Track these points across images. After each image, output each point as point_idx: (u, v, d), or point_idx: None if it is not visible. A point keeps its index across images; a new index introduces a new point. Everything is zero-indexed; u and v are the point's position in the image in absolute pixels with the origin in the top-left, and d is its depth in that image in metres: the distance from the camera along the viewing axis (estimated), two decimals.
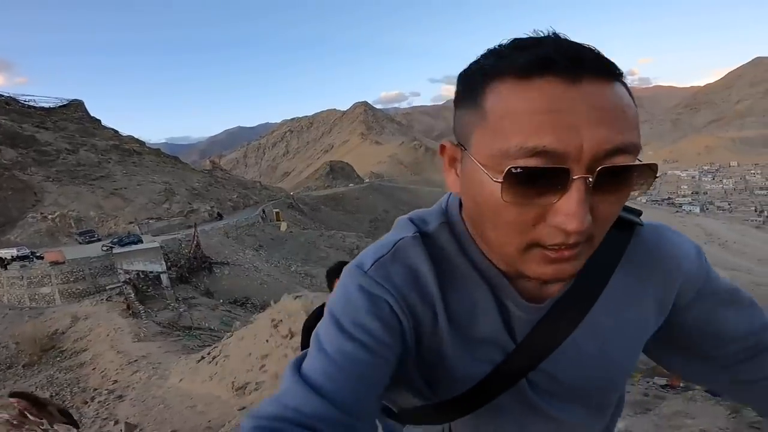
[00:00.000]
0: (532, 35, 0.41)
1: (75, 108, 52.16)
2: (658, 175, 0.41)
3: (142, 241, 23.86)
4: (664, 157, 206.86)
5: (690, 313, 0.58)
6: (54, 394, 10.84)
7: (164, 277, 20.23)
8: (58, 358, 14.69)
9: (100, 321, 16.30)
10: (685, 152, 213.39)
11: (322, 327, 0.51)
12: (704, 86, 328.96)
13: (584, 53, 0.38)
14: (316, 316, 2.23)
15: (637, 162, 0.39)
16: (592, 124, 0.37)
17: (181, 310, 17.84)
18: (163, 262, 20.81)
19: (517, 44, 0.41)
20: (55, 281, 20.20)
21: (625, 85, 0.40)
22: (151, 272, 20.06)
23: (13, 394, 4.23)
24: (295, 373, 0.48)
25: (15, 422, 3.92)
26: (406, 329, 0.51)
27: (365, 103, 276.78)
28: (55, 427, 3.99)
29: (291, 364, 0.50)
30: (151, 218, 32.27)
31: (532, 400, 0.56)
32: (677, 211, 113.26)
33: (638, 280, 0.56)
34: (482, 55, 0.44)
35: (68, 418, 4.27)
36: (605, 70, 0.39)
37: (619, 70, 0.40)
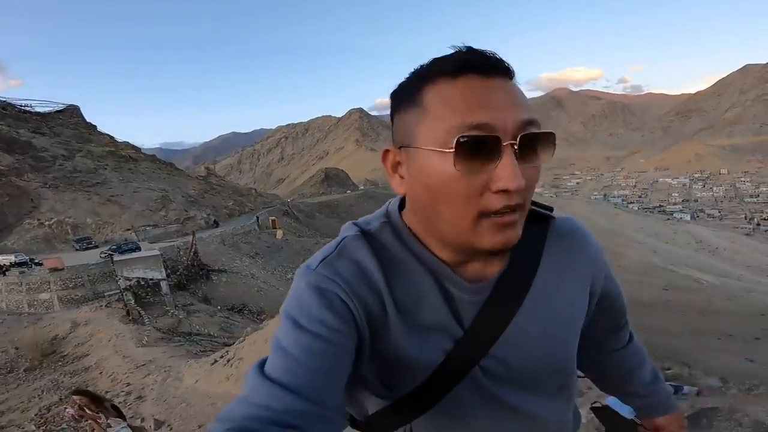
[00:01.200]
0: (453, 49, 0.52)
1: (71, 113, 52.12)
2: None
3: (140, 248, 23.94)
4: (655, 165, 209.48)
5: (600, 297, 0.69)
6: (64, 397, 11.03)
7: (164, 284, 20.36)
8: (60, 363, 14.69)
9: (101, 327, 16.39)
10: (675, 160, 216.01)
11: (279, 328, 0.54)
12: (695, 93, 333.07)
13: (491, 58, 0.51)
14: None
15: (542, 131, 0.50)
16: (509, 105, 0.49)
17: (180, 316, 17.98)
18: (163, 270, 20.92)
19: (445, 56, 0.52)
20: (54, 287, 20.25)
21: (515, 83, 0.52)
22: (151, 279, 20.17)
23: (75, 392, 4.84)
24: (258, 374, 0.50)
25: (77, 416, 4.57)
26: (357, 318, 0.54)
27: (360, 110, 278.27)
28: (109, 420, 4.49)
29: (254, 367, 0.52)
30: (148, 225, 32.27)
31: (489, 389, 0.59)
32: (668, 219, 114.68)
33: (563, 265, 0.63)
34: (412, 73, 0.54)
35: (118, 413, 4.74)
36: (506, 70, 0.51)
37: (513, 70, 0.52)
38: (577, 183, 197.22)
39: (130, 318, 16.84)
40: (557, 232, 0.64)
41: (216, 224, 36.95)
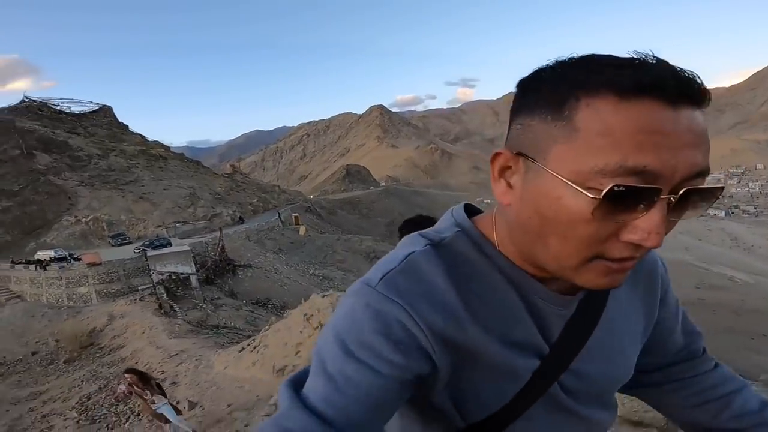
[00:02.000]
0: (631, 55, 0.40)
1: (104, 113, 54.42)
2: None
3: (171, 244, 24.89)
4: None
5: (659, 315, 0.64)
6: (102, 387, 11.69)
7: (194, 279, 21.12)
8: (97, 354, 15.39)
9: (135, 319, 17.13)
10: (710, 155, 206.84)
11: (325, 347, 0.48)
12: (729, 87, 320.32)
13: (687, 79, 0.39)
14: (410, 222, 2.07)
15: (712, 186, 0.40)
16: (687, 146, 0.38)
17: (208, 310, 18.67)
18: (193, 265, 21.71)
19: (614, 61, 0.40)
20: (92, 282, 21.22)
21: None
22: (182, 274, 20.91)
23: (127, 371, 5.38)
24: (294, 396, 0.47)
25: (127, 392, 5.06)
26: (425, 347, 0.47)
27: (381, 107, 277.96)
28: (154, 397, 5.01)
29: (288, 383, 0.49)
30: (178, 222, 33.43)
31: (564, 403, 0.55)
32: (701, 215, 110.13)
33: (634, 279, 0.60)
34: (560, 66, 0.43)
35: (161, 391, 5.26)
36: (701, 98, 0.40)
37: (710, 98, 0.41)
38: None
39: (162, 311, 17.46)
40: None
41: (241, 221, 37.93)
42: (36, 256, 25.09)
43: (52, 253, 24.76)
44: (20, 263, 24.65)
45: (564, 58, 0.43)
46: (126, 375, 5.22)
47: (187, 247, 23.16)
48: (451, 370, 0.50)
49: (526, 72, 0.45)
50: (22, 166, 35.91)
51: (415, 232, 0.55)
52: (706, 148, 0.40)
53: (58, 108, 51.68)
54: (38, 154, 37.89)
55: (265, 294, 22.96)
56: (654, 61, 0.39)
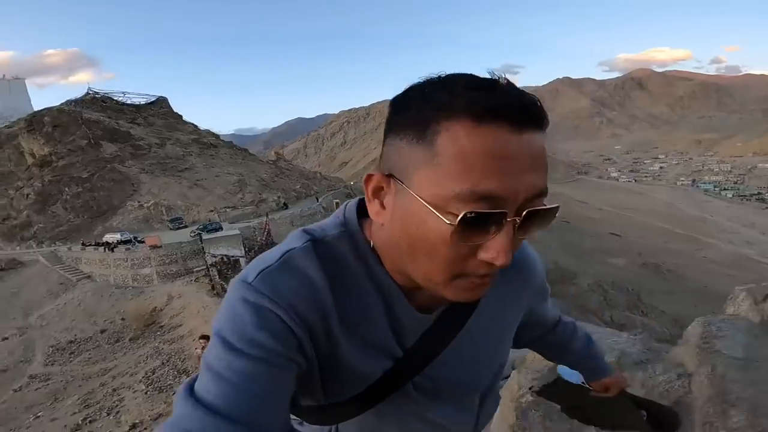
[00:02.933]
0: (486, 76, 0.44)
1: (160, 104, 57.51)
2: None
3: (222, 228, 26.10)
4: (753, 150, 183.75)
5: (528, 312, 0.77)
6: (165, 362, 12.75)
7: (243, 261, 22.04)
8: (158, 332, 16.58)
9: (191, 300, 18.24)
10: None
11: (211, 348, 0.49)
12: None
13: (531, 103, 0.42)
14: None
15: (550, 206, 0.46)
16: (529, 170, 0.42)
17: None
18: (242, 248, 22.68)
19: (471, 84, 0.42)
20: (153, 263, 22.68)
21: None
22: (232, 257, 21.94)
23: (201, 336, 6.12)
24: (188, 397, 0.47)
25: (201, 356, 5.70)
26: (301, 339, 0.50)
27: None
28: None
29: (182, 390, 0.49)
30: (228, 207, 35.12)
31: (416, 400, 0.61)
32: (766, 208, 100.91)
33: (508, 292, 0.66)
34: (428, 86, 0.45)
35: None
36: (542, 121, 0.44)
37: (548, 121, 0.45)
38: (661, 167, 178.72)
39: (215, 292, 18.54)
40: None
41: (285, 206, 39.18)
42: (104, 239, 26.82)
43: (118, 236, 26.41)
44: (90, 245, 26.49)
45: (433, 77, 0.45)
46: (201, 340, 5.87)
47: (237, 232, 24.18)
48: (318, 359, 0.54)
49: (418, 80, 0.47)
50: (90, 155, 38.94)
51: (299, 229, 0.58)
52: (545, 169, 0.45)
53: (120, 100, 55.36)
54: (104, 144, 40.91)
55: None
56: (505, 83, 0.43)
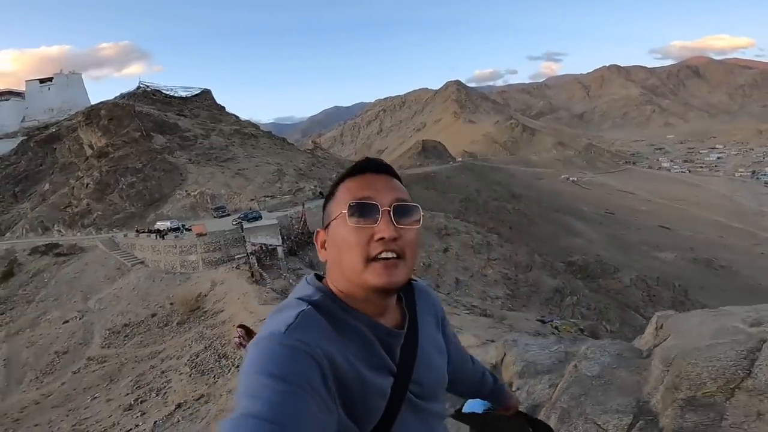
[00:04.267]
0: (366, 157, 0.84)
1: (204, 96, 59.85)
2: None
3: (261, 217, 27.01)
4: None
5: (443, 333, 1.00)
6: (207, 346, 13.48)
7: (280, 250, 22.93)
8: (202, 317, 17.18)
9: (232, 286, 18.96)
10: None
11: (249, 385, 0.59)
12: None
13: (384, 164, 0.81)
14: None
15: (411, 203, 0.77)
16: (388, 190, 0.77)
17: (290, 279, 20.10)
18: (280, 237, 23.48)
19: (358, 162, 0.81)
20: (199, 250, 23.82)
21: (399, 179, 0.82)
22: (270, 245, 22.80)
23: (239, 326, 6.50)
24: (232, 419, 0.55)
25: (237, 344, 6.13)
26: (328, 376, 0.64)
27: (458, 82, 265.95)
28: None
29: (223, 420, 0.56)
30: (267, 196, 36.13)
31: (418, 404, 0.80)
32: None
33: (428, 311, 0.94)
34: (342, 172, 0.82)
35: None
36: (393, 171, 0.81)
37: (396, 173, 0.82)
38: (718, 158, 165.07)
39: (254, 279, 19.29)
40: (419, 290, 0.94)
41: (322, 195, 39.81)
42: (156, 226, 28.35)
43: (168, 224, 27.78)
44: (143, 232, 28.06)
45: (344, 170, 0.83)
46: (237, 329, 6.29)
47: (275, 221, 25.01)
48: (343, 392, 0.67)
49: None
50: (143, 146, 41.21)
51: (293, 297, 0.79)
52: (404, 191, 0.79)
53: (168, 93, 58.09)
54: (155, 135, 43.19)
55: None
56: (370, 159, 0.81)
